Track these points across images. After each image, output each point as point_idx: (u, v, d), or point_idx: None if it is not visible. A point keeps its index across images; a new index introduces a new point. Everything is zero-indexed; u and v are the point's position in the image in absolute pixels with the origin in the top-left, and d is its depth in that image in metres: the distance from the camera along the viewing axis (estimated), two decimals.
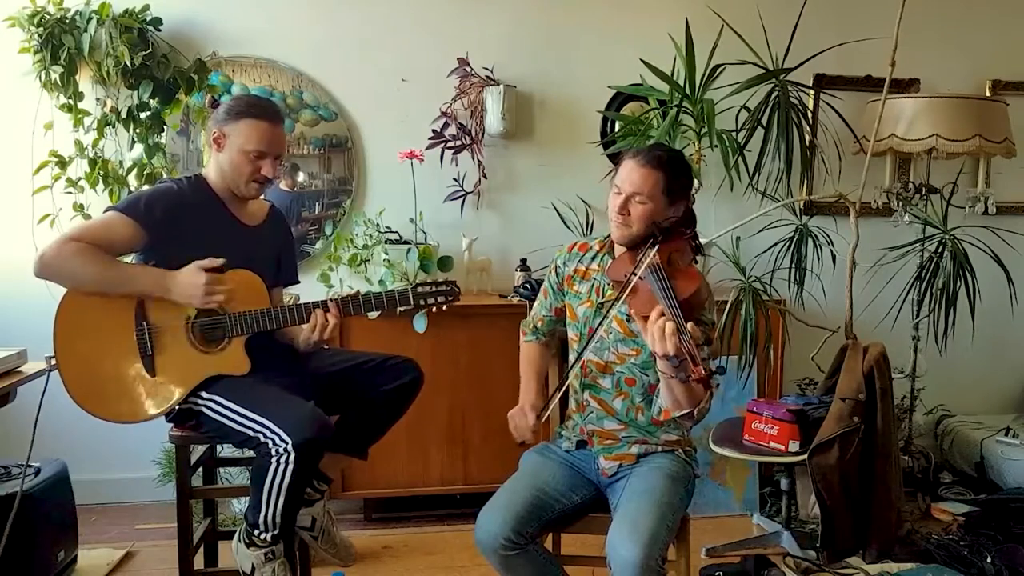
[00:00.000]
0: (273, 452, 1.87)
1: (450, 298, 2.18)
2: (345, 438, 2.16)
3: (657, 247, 1.82)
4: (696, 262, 1.98)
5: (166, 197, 2.03)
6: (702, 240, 3.08)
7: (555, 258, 2.14)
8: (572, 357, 2.08)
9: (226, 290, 1.99)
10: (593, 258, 2.07)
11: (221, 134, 2.05)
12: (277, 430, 1.87)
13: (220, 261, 1.99)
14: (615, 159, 1.99)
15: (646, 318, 1.67)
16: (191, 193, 2.06)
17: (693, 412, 1.77)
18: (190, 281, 1.96)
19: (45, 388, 2.02)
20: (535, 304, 2.21)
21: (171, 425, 2.09)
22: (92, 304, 1.95)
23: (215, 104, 2.14)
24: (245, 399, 1.95)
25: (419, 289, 2.15)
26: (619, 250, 2.01)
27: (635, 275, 1.80)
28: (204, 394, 2.00)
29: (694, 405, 1.76)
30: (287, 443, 1.85)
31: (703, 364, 1.57)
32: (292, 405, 1.94)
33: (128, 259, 2.07)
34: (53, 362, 1.98)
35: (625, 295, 1.82)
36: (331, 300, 2.07)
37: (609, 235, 2.09)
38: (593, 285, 2.03)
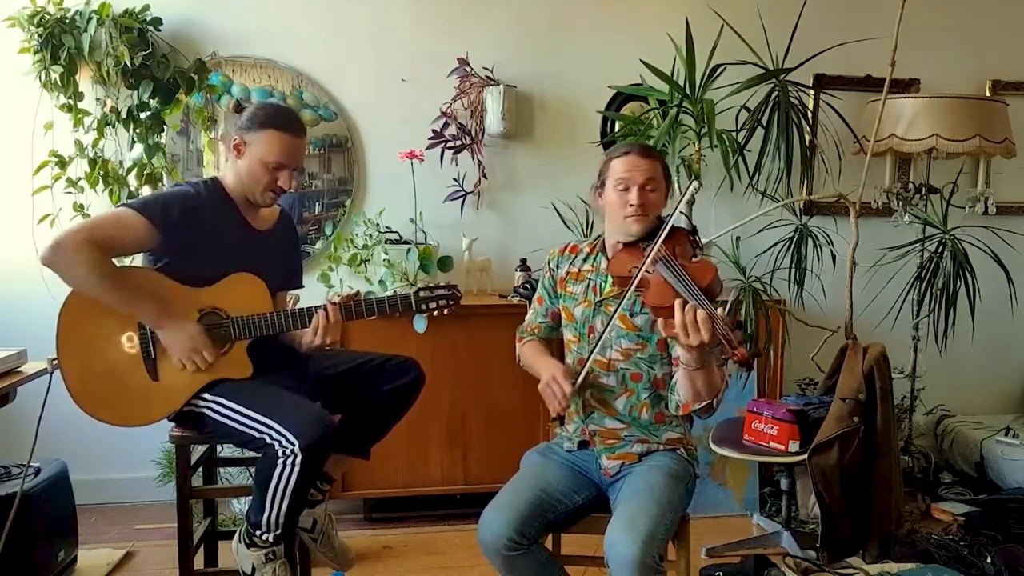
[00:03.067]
0: (280, 453, 1.86)
1: (452, 303, 2.18)
2: (347, 438, 2.16)
3: (663, 239, 1.83)
4: (696, 256, 1.99)
5: (183, 200, 2.02)
6: (702, 240, 3.10)
7: (547, 261, 2.16)
8: (570, 359, 2.07)
9: (206, 365, 1.98)
10: (585, 260, 2.09)
11: (242, 141, 2.04)
12: (284, 431, 1.86)
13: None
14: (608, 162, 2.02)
15: (665, 309, 1.67)
16: (207, 197, 2.06)
17: (713, 403, 1.79)
18: (186, 336, 1.96)
19: (48, 389, 2.02)
20: (530, 312, 2.21)
21: (171, 425, 2.09)
22: (95, 307, 1.94)
23: (239, 109, 2.14)
24: (250, 400, 1.94)
25: (421, 294, 2.15)
26: (613, 249, 2.02)
27: (641, 268, 1.82)
28: (207, 396, 1.99)
29: (714, 396, 1.78)
30: (294, 444, 1.85)
31: (742, 343, 1.58)
32: (298, 406, 1.94)
33: (137, 259, 2.07)
34: (55, 364, 1.97)
35: (632, 288, 1.83)
36: (331, 304, 2.07)
37: (599, 236, 2.10)
38: (588, 285, 2.04)
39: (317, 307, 2.07)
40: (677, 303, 1.64)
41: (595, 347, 1.94)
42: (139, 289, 1.95)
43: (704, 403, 1.80)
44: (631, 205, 1.92)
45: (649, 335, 1.95)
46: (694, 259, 1.88)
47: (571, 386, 1.89)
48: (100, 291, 1.91)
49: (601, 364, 2.00)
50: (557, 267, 2.12)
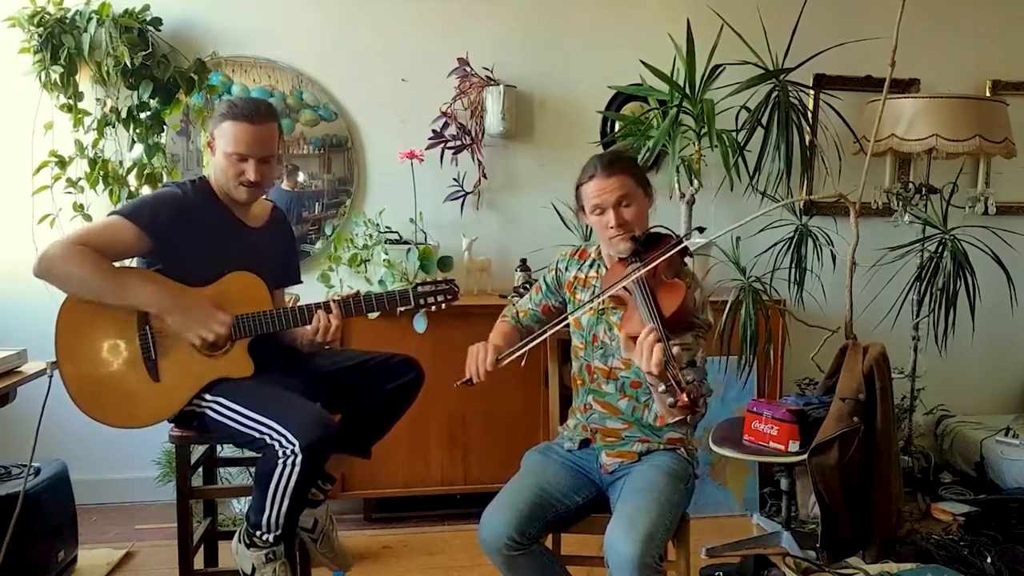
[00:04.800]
0: (280, 453, 1.86)
1: (450, 297, 2.18)
2: (347, 437, 2.16)
3: (640, 264, 1.82)
4: (685, 264, 1.98)
5: (171, 203, 2.02)
6: (703, 240, 3.09)
7: (557, 260, 2.17)
8: (576, 365, 2.08)
9: (225, 329, 1.97)
10: (591, 265, 2.10)
11: (212, 137, 2.06)
12: (284, 432, 1.86)
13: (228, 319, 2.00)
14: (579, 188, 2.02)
15: (634, 339, 1.67)
16: (195, 197, 2.06)
17: (687, 419, 1.78)
18: (196, 310, 1.95)
19: (48, 390, 2.02)
20: (523, 298, 2.24)
21: (171, 425, 2.09)
22: (94, 308, 1.94)
23: None
24: (249, 400, 1.94)
25: (419, 288, 2.15)
26: (610, 260, 2.03)
27: (619, 285, 1.81)
28: (207, 396, 1.99)
29: (685, 414, 1.76)
30: (294, 445, 1.85)
31: (689, 386, 1.56)
32: (298, 406, 1.94)
33: (131, 262, 2.07)
34: (54, 366, 1.97)
35: (604, 298, 1.85)
36: (332, 301, 2.07)
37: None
38: (594, 292, 2.05)
39: (318, 304, 2.07)
40: (641, 333, 1.65)
41: (555, 324, 1.97)
42: (136, 279, 1.94)
43: (676, 419, 1.77)
44: (610, 227, 1.92)
45: None
46: (672, 280, 1.85)
47: (494, 361, 1.91)
48: (98, 288, 1.91)
49: (603, 372, 2.01)
50: (566, 269, 2.13)
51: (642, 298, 1.75)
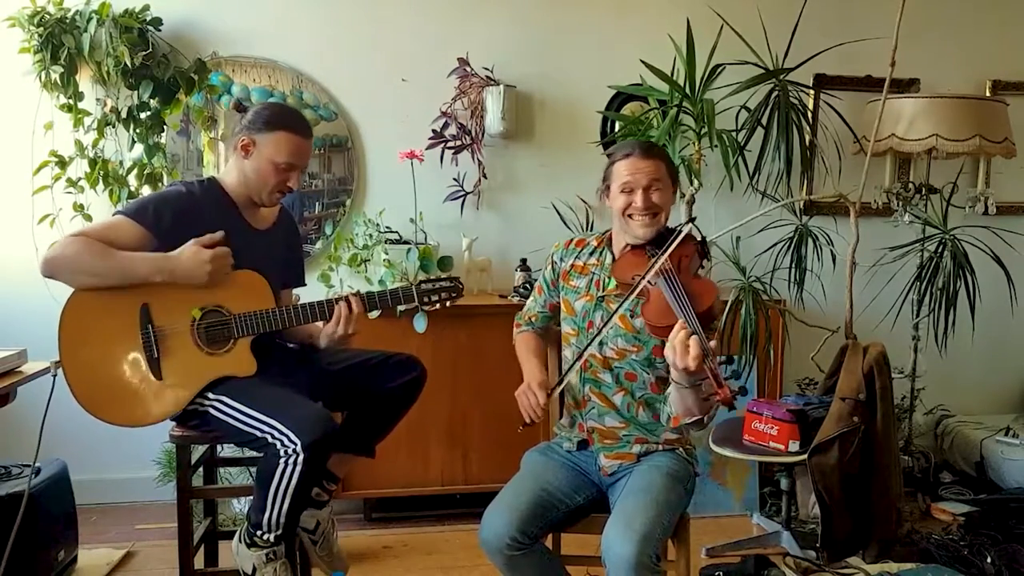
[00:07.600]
0: (282, 453, 1.86)
1: (454, 295, 2.17)
2: (350, 436, 2.16)
3: (668, 252, 1.81)
4: (703, 267, 1.98)
5: (176, 203, 2.01)
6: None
7: (551, 253, 2.15)
8: (569, 352, 2.07)
9: (228, 266, 1.97)
10: (591, 254, 2.08)
11: (251, 141, 2.04)
12: (286, 431, 1.86)
13: (219, 235, 1.98)
14: (611, 166, 2.00)
15: (663, 327, 1.66)
16: (203, 197, 2.06)
17: (704, 419, 1.78)
18: (194, 259, 1.94)
19: (52, 391, 2.02)
20: (529, 300, 2.22)
21: (172, 424, 2.09)
22: (97, 308, 1.94)
23: (241, 108, 2.13)
24: (252, 399, 1.94)
25: (423, 286, 2.15)
26: (619, 248, 2.01)
27: (644, 279, 1.79)
28: (210, 395, 1.99)
29: (706, 412, 1.76)
30: (296, 444, 1.85)
31: (727, 384, 1.55)
32: (300, 405, 1.94)
33: None
34: (58, 366, 1.97)
35: (633, 296, 1.82)
36: (351, 296, 2.07)
37: (607, 231, 2.09)
38: (592, 279, 2.03)
39: (317, 302, 2.07)
40: (676, 327, 1.64)
41: (585, 348, 1.93)
42: (134, 256, 1.93)
43: (695, 418, 1.77)
44: (637, 208, 1.92)
45: (647, 339, 1.94)
46: (698, 276, 1.85)
47: (546, 397, 1.89)
48: (102, 270, 1.90)
49: (599, 360, 2.00)
50: (561, 260, 2.11)
51: (671, 290, 1.73)
